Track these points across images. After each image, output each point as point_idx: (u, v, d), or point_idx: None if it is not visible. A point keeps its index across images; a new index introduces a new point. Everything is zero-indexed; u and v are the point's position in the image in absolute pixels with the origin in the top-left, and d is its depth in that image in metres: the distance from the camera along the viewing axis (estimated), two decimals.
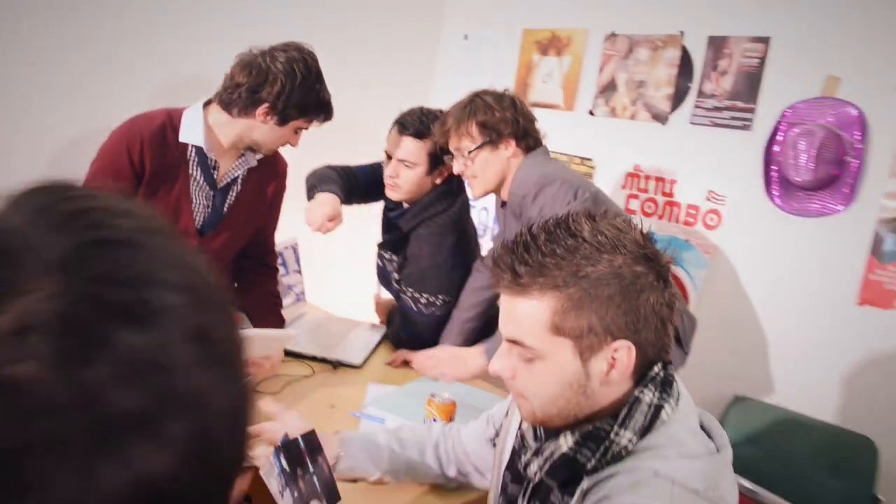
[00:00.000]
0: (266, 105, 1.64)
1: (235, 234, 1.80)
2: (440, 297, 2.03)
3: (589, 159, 2.65)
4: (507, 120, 1.71)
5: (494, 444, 1.24)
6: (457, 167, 1.78)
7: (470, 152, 1.72)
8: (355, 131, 2.45)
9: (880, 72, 2.00)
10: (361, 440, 1.30)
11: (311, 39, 1.73)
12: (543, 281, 0.87)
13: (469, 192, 1.95)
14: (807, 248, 2.13)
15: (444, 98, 3.12)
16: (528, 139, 1.75)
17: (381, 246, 2.14)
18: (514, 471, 1.08)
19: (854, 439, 1.97)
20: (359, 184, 2.10)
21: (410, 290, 2.05)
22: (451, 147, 1.76)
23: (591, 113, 2.66)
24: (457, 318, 2.05)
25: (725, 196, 2.30)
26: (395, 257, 2.08)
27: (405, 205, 2.06)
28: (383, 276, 2.19)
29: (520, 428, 1.06)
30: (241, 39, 1.72)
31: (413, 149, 1.91)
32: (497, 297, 1.58)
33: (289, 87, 1.62)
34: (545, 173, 1.71)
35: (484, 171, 1.74)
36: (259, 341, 1.64)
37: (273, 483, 1.13)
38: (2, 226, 0.33)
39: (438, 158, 1.93)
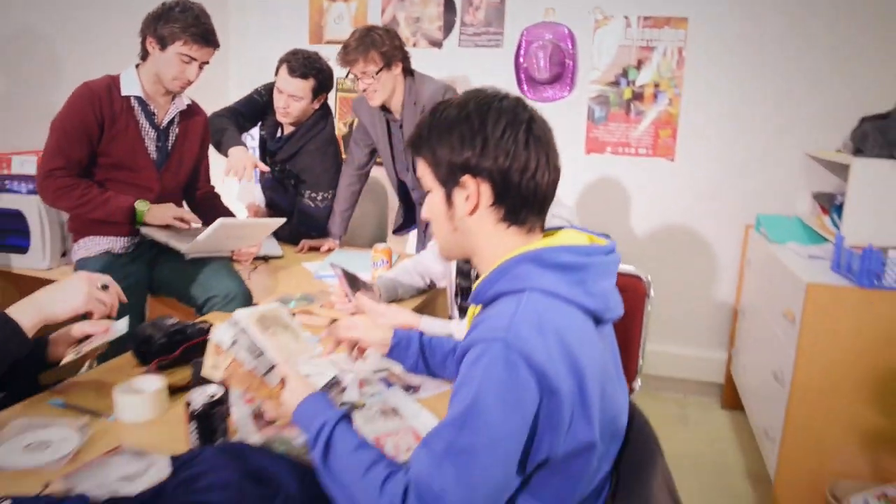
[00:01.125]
0: (149, 36, 2.06)
1: (182, 167, 2.25)
2: (330, 192, 2.72)
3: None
4: (396, 48, 2.41)
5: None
6: (362, 85, 2.42)
7: (376, 74, 2.38)
8: None
9: (578, 0, 3.12)
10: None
11: None
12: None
13: (365, 104, 2.57)
14: (551, 122, 3.23)
15: (240, 45, 3.60)
16: (407, 62, 2.48)
17: (274, 165, 2.72)
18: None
19: None
20: (245, 119, 2.64)
21: (309, 191, 2.69)
22: (357, 71, 2.39)
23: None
24: (337, 210, 2.75)
25: None
26: (289, 169, 2.69)
27: (286, 130, 2.67)
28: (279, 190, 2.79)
29: None
30: None
31: (301, 86, 2.53)
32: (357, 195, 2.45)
33: (162, 14, 2.04)
34: (437, 86, 2.46)
35: (383, 86, 2.42)
36: (250, 228, 2.19)
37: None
38: None
39: (317, 91, 2.57)
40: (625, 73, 3.16)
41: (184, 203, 2.35)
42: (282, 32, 3.55)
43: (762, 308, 2.65)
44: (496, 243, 1.09)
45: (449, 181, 1.07)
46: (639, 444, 1.13)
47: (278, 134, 2.73)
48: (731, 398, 3.14)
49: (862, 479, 2.13)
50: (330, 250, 2.64)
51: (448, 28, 3.32)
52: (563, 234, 1.13)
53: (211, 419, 1.13)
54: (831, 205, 2.64)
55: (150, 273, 2.18)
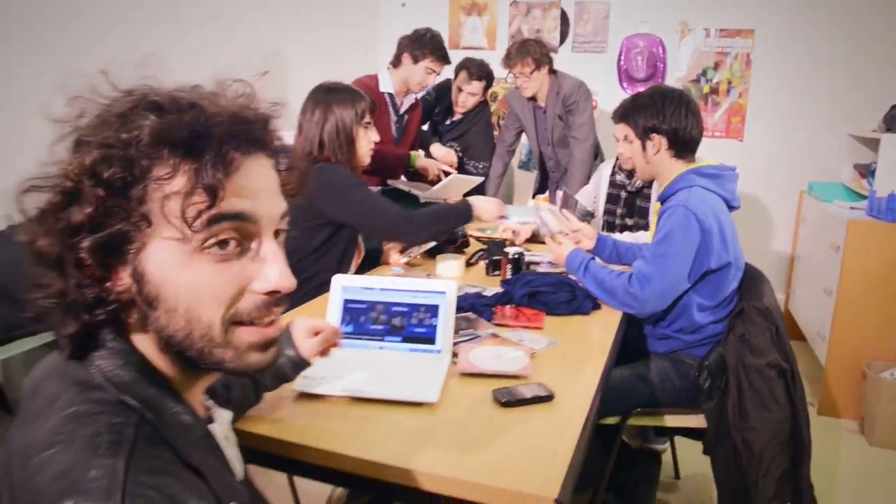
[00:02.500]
0: (405, 52, 3.06)
1: (408, 142, 3.24)
2: (487, 162, 3.67)
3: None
4: (544, 54, 3.34)
5: None
6: (519, 82, 3.36)
7: (530, 74, 3.31)
8: None
9: (668, 15, 4.03)
10: None
11: (265, 15, 3.07)
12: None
13: (517, 96, 3.52)
14: None
15: (389, 53, 4.56)
16: (551, 64, 3.40)
17: (444, 144, 3.69)
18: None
19: None
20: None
21: (472, 161, 3.64)
22: (516, 71, 3.32)
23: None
24: (493, 175, 3.68)
25: (597, 90, 4.21)
26: (457, 146, 3.66)
27: (455, 116, 3.63)
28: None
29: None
30: (197, 16, 2.89)
31: (477, 86, 3.49)
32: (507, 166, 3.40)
33: (416, 38, 3.05)
34: (574, 82, 3.39)
35: (534, 82, 3.35)
36: (465, 182, 3.15)
37: None
38: None
39: (486, 88, 3.53)
40: (704, 73, 4.06)
41: None
42: None
43: (814, 248, 3.52)
44: (669, 168, 2.03)
45: (644, 137, 2.02)
46: (753, 277, 2.05)
47: (448, 121, 3.69)
48: (788, 330, 4.00)
49: (890, 360, 3.00)
50: None
51: (563, 37, 4.26)
52: (704, 161, 2.06)
53: (518, 262, 2.09)
54: (868, 171, 3.50)
55: None
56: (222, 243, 0.64)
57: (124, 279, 0.64)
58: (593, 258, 2.02)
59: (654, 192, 2.77)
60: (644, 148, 2.04)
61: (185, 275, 0.63)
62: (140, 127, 0.62)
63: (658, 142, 2.00)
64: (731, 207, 2.01)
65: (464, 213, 2.21)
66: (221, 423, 0.77)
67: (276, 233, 0.70)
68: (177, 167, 0.62)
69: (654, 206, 2.15)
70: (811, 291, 3.49)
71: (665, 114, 1.98)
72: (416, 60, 3.04)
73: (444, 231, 2.28)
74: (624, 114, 2.08)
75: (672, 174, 2.02)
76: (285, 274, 0.67)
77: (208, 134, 0.63)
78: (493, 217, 2.31)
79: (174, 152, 0.62)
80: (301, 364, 1.21)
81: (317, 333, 1.22)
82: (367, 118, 2.09)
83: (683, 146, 2.01)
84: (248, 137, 0.66)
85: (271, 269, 0.67)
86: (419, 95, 3.25)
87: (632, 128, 2.06)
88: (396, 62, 3.09)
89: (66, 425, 0.60)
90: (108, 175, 0.61)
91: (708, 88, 4.06)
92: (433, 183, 3.26)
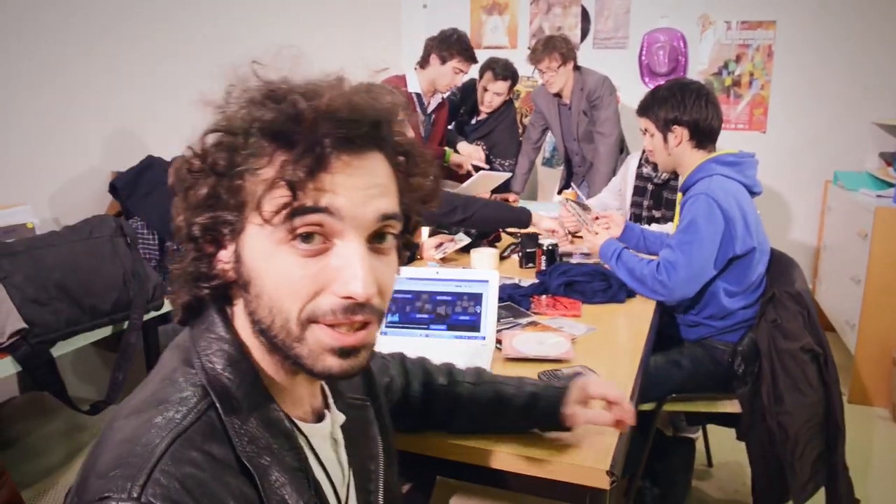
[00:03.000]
0: (433, 53, 3.11)
1: (435, 140, 3.30)
2: (513, 159, 3.72)
3: (535, 78, 4.41)
4: (570, 50, 3.38)
5: None
6: (545, 77, 3.40)
7: (557, 69, 3.35)
8: None
9: (689, 9, 4.05)
10: None
11: (286, 17, 3.15)
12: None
13: (542, 93, 3.58)
14: None
15: (411, 52, 4.62)
16: (576, 60, 3.44)
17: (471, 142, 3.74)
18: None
19: None
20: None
21: (498, 159, 3.69)
22: (542, 67, 3.36)
23: (530, 49, 4.40)
24: (519, 172, 3.73)
25: (620, 86, 4.23)
26: (483, 144, 3.71)
27: (480, 116, 3.68)
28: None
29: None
30: (219, 16, 2.93)
31: (502, 86, 3.54)
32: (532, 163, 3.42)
33: (444, 39, 3.11)
34: (598, 77, 3.43)
35: (560, 77, 3.39)
36: (493, 178, 3.20)
37: None
38: None
39: (511, 88, 3.57)
40: (725, 66, 4.07)
41: None
42: None
43: (841, 237, 3.54)
44: (690, 158, 2.07)
45: (665, 129, 2.06)
46: (783, 263, 2.09)
47: (473, 120, 3.74)
48: None
49: None
50: (515, 201, 3.63)
51: (584, 34, 4.29)
52: (724, 150, 2.10)
53: (552, 253, 2.14)
54: (894, 159, 3.51)
55: None
56: (306, 237, 0.64)
57: (226, 259, 0.68)
58: (626, 247, 2.07)
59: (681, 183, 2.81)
60: (666, 140, 2.09)
61: (270, 264, 0.64)
62: (250, 117, 0.65)
63: (679, 133, 2.05)
64: (752, 193, 2.05)
65: (522, 216, 2.44)
66: (328, 425, 0.77)
67: (378, 236, 0.68)
68: (272, 157, 0.64)
69: (679, 196, 2.19)
70: (839, 280, 3.50)
71: (685, 105, 2.03)
72: (443, 61, 3.10)
73: (498, 221, 2.49)
74: (645, 108, 2.13)
75: (693, 164, 2.07)
76: (363, 281, 0.64)
77: (302, 126, 0.64)
78: (546, 228, 2.47)
79: (270, 142, 0.64)
80: (553, 424, 1.10)
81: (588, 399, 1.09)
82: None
83: (704, 136, 2.06)
84: (351, 134, 0.65)
85: (349, 272, 0.64)
86: (445, 95, 3.31)
87: (653, 121, 2.10)
88: (424, 63, 3.15)
89: (150, 397, 0.65)
90: (213, 159, 0.65)
91: (730, 81, 4.07)
92: (462, 179, 3.32)
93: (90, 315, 1.79)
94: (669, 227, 2.63)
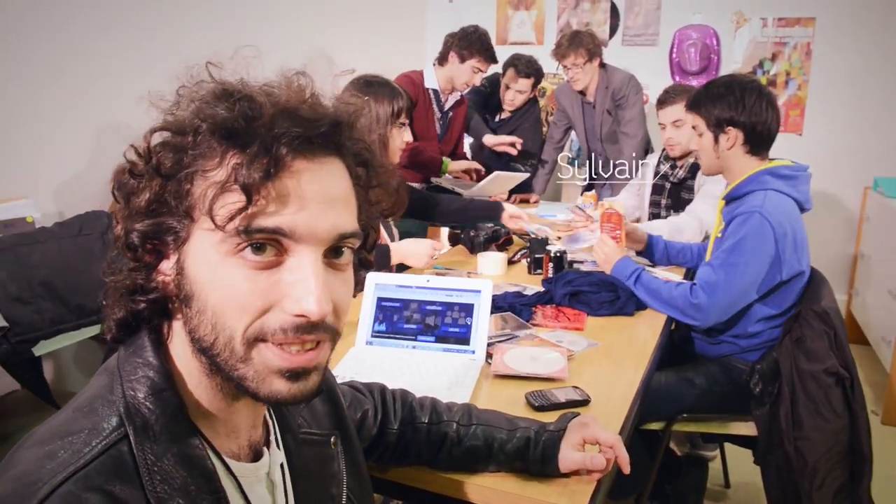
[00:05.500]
0: (452, 50, 3.01)
1: (452, 138, 3.20)
2: (535, 159, 3.60)
3: (561, 75, 4.28)
4: (596, 46, 3.26)
5: None
6: (570, 74, 3.28)
7: (583, 65, 3.23)
8: None
9: (722, 5, 3.88)
10: None
11: (311, 13, 3.04)
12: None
13: (566, 91, 3.47)
14: None
15: (436, 48, 4.53)
16: (602, 57, 3.32)
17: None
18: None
19: None
20: (476, 105, 3.55)
21: (521, 159, 3.58)
22: (567, 62, 3.24)
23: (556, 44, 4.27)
24: (541, 173, 3.62)
25: (648, 84, 4.08)
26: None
27: (503, 114, 3.57)
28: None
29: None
30: (240, 13, 2.90)
31: (526, 83, 3.43)
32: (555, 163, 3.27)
33: (464, 36, 2.99)
34: (623, 76, 3.30)
35: (586, 74, 3.27)
36: (509, 179, 3.09)
37: None
38: None
39: (534, 85, 3.46)
40: (760, 65, 3.89)
41: None
42: None
43: (880, 246, 3.34)
44: (742, 165, 1.90)
45: (717, 129, 1.89)
46: (812, 279, 1.94)
47: (497, 118, 3.63)
48: (850, 333, 3.81)
49: None
50: (536, 202, 3.52)
51: (613, 30, 4.15)
52: (778, 161, 1.94)
53: (560, 260, 2.03)
54: None
55: None
56: (258, 248, 0.59)
57: (168, 270, 0.62)
58: (644, 269, 1.93)
59: (697, 184, 2.66)
60: (717, 141, 1.91)
61: (216, 276, 0.59)
62: (200, 114, 0.60)
63: (734, 136, 1.86)
64: (802, 210, 1.89)
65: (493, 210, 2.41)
66: (264, 465, 0.70)
67: (335, 250, 0.63)
68: (224, 158, 0.59)
69: (720, 204, 2.02)
70: (876, 293, 3.31)
71: (744, 105, 1.83)
72: (462, 59, 3.00)
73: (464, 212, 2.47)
74: (696, 102, 1.95)
75: (744, 172, 1.89)
76: (317, 298, 0.59)
77: (256, 124, 0.59)
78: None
79: (221, 143, 0.59)
80: (547, 470, 1.01)
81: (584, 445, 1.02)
82: (403, 118, 2.04)
83: (760, 142, 1.88)
84: (309, 133, 0.60)
85: (303, 288, 0.59)
86: (465, 92, 3.20)
87: (703, 118, 1.92)
88: (442, 60, 3.05)
89: (59, 426, 0.59)
90: (158, 160, 0.60)
91: (765, 81, 3.89)
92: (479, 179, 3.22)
93: (76, 314, 1.75)
94: (675, 219, 2.54)
